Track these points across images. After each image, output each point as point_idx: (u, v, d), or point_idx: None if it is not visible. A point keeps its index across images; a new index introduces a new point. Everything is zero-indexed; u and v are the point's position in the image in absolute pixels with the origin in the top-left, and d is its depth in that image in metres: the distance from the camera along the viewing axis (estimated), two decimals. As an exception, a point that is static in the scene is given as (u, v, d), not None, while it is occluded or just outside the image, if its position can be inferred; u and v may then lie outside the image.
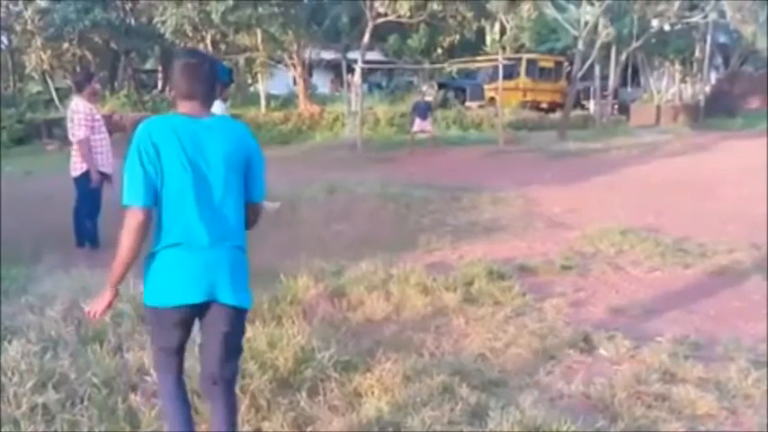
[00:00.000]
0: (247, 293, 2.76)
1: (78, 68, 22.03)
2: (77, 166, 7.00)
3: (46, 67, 22.71)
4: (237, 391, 3.07)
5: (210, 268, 2.62)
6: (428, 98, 20.54)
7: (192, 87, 2.66)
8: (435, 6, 21.75)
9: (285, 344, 3.96)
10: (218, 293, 2.64)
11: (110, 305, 2.73)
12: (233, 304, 2.68)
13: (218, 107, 8.66)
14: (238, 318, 2.76)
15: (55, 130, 18.33)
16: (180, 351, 2.83)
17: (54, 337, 4.21)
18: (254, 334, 4.05)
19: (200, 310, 2.69)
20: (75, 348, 4.07)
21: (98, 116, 7.17)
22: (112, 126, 12.64)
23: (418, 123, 17.63)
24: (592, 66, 23.82)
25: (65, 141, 10.11)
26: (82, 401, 3.43)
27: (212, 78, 2.73)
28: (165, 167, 2.55)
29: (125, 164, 2.59)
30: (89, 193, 7.00)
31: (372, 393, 3.63)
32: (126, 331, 4.32)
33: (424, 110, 17.85)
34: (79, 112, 6.92)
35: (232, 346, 2.79)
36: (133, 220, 2.54)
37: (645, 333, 4.69)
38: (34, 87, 25.37)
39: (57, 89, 22.61)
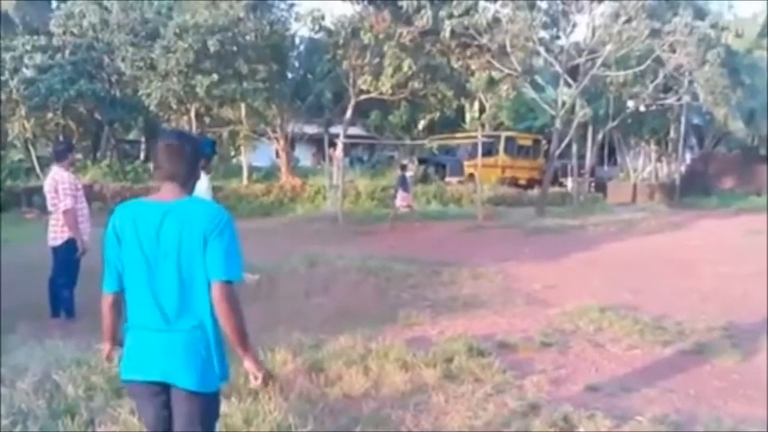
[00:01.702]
0: (210, 376, 2.73)
1: (61, 137, 22.09)
2: (57, 236, 6.97)
3: (29, 135, 22.77)
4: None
5: (165, 350, 2.68)
6: (408, 173, 20.81)
7: (173, 169, 2.75)
8: (416, 85, 22.28)
9: (261, 420, 3.89)
10: (175, 376, 2.68)
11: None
12: (188, 388, 2.68)
13: (200, 179, 8.85)
14: (201, 402, 2.73)
15: (35, 198, 18.24)
16: None
17: (24, 410, 4.10)
18: (230, 410, 3.97)
19: (166, 392, 2.75)
20: (46, 422, 3.96)
21: (79, 185, 7.21)
22: (92, 196, 12.61)
23: (402, 197, 17.76)
24: (569, 144, 24.31)
25: (44, 210, 10.08)
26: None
27: (194, 160, 2.81)
28: (125, 255, 2.72)
29: None
30: (67, 263, 6.95)
31: (350, 473, 3.55)
32: (98, 405, 4.22)
33: (407, 183, 18.05)
34: (64, 182, 6.94)
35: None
36: (103, 303, 2.84)
37: (625, 412, 4.66)
38: (16, 155, 25.34)
39: (38, 158, 22.61)
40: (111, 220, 2.77)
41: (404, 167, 18.96)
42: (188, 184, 2.81)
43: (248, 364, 2.79)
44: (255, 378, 2.81)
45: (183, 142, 2.80)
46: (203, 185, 8.72)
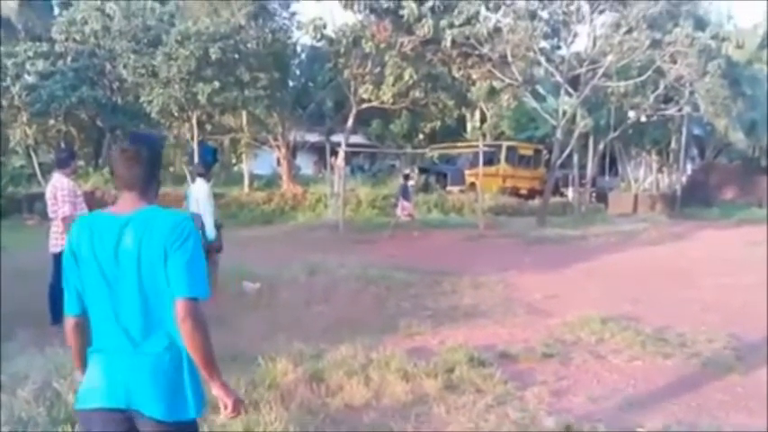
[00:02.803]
0: (181, 402, 2.46)
1: (63, 144, 22.12)
2: (57, 242, 6.96)
3: (30, 142, 22.80)
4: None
5: (130, 374, 2.43)
6: (410, 182, 20.82)
7: (130, 176, 2.50)
8: (417, 94, 22.31)
9: (262, 430, 3.87)
10: (141, 403, 2.42)
11: None
12: (155, 417, 2.41)
13: (201, 186, 8.86)
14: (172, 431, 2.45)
15: (36, 204, 18.25)
16: None
17: (24, 418, 4.09)
18: (231, 420, 3.95)
19: (130, 422, 2.46)
20: (46, 430, 3.94)
21: (79, 192, 7.23)
22: (94, 203, 12.60)
23: (403, 206, 17.79)
24: (570, 154, 24.34)
25: (45, 216, 10.08)
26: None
27: (153, 165, 2.56)
28: (83, 274, 2.48)
29: None
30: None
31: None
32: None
33: (408, 192, 18.07)
34: (63, 189, 6.96)
35: None
36: (66, 326, 2.60)
37: (626, 423, 4.64)
38: (17, 161, 25.36)
39: (40, 164, 22.62)
40: (68, 237, 2.55)
41: (407, 177, 18.99)
42: (148, 191, 2.54)
43: (216, 391, 2.49)
44: (225, 407, 2.52)
45: (139, 146, 2.52)
46: (204, 193, 8.76)
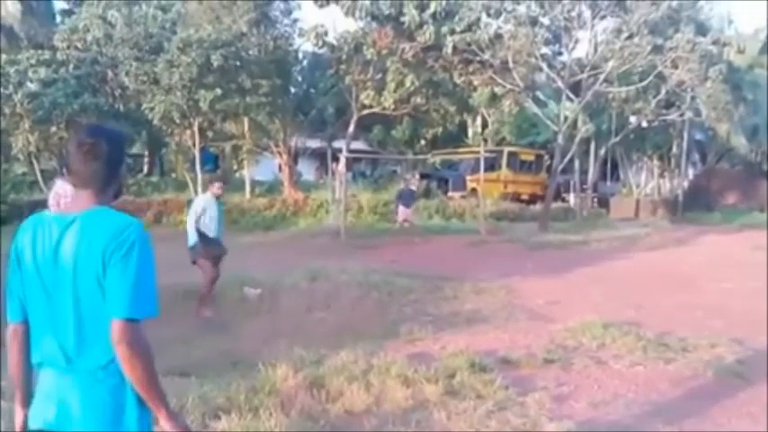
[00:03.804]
0: (117, 429, 2.18)
1: (65, 151, 22.14)
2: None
3: (32, 149, 22.82)
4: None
5: (63, 394, 2.17)
6: (412, 186, 20.80)
7: (87, 172, 2.22)
8: (419, 100, 22.36)
9: (262, 437, 3.86)
10: (71, 426, 2.17)
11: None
12: None
13: (206, 197, 9.05)
14: None
15: (38, 212, 18.25)
16: None
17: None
18: (230, 426, 3.95)
19: None
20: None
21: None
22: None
23: (402, 211, 17.80)
24: (572, 160, 24.34)
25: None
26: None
27: (113, 163, 2.27)
28: (25, 278, 2.23)
29: None
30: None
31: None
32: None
33: (408, 198, 18.07)
34: (67, 196, 6.94)
35: None
36: (6, 335, 2.32)
37: (627, 429, 4.62)
38: (20, 169, 25.42)
39: (42, 171, 22.66)
40: (14, 237, 2.30)
41: (405, 182, 19.02)
42: (105, 192, 2.26)
43: (163, 423, 2.18)
44: None
45: (98, 140, 2.23)
46: (209, 201, 8.95)
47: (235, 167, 28.62)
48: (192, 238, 8.67)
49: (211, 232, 8.83)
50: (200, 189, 23.01)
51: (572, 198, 27.93)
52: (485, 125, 33.04)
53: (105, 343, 2.11)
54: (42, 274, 2.19)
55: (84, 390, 2.16)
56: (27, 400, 2.30)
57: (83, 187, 2.24)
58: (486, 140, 30.48)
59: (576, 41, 21.64)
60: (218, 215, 9.00)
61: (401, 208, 17.88)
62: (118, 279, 2.10)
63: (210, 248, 8.80)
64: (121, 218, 2.19)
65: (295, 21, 24.68)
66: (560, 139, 21.36)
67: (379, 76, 21.76)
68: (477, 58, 20.75)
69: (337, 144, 25.51)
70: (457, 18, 20.37)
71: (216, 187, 9.11)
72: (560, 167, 22.12)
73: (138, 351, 2.09)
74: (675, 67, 20.59)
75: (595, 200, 29.31)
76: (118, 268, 2.10)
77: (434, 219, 22.14)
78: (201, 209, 8.83)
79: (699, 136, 31.58)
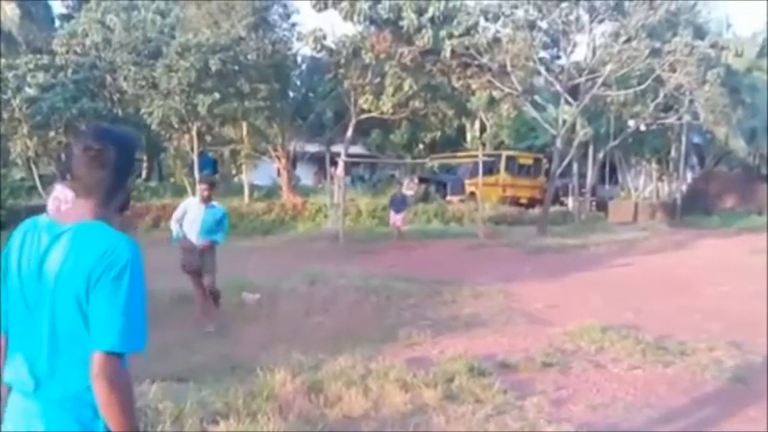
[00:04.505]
0: None
1: (63, 156, 22.12)
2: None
3: (31, 154, 22.82)
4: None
5: (27, 421, 1.97)
6: (408, 191, 20.76)
7: (89, 180, 2.00)
8: (417, 104, 22.40)
9: (260, 441, 3.86)
10: None
11: None
12: None
13: (192, 199, 8.54)
14: None
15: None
16: None
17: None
18: (228, 430, 3.94)
19: None
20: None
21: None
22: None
23: (393, 216, 17.83)
24: (570, 163, 24.37)
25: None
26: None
27: (121, 171, 2.04)
28: (9, 287, 2.03)
29: None
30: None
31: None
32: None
33: (399, 203, 18.06)
34: (68, 202, 6.94)
35: None
36: None
37: (627, 433, 4.62)
38: (18, 174, 25.40)
39: (41, 176, 22.65)
40: (7, 241, 2.10)
41: (399, 187, 19.05)
42: (108, 203, 2.04)
43: None
44: None
45: (106, 145, 2.00)
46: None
47: (233, 172, 28.63)
48: (173, 234, 8.36)
49: (191, 236, 8.21)
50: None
51: (570, 202, 27.95)
52: (483, 129, 33.10)
53: (80, 371, 1.90)
54: (25, 285, 1.98)
55: (51, 419, 1.95)
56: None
57: (84, 196, 2.02)
58: (484, 144, 30.52)
59: (574, 45, 21.70)
60: (204, 219, 8.20)
61: (392, 213, 17.90)
62: (104, 307, 1.87)
63: (185, 257, 8.24)
64: (115, 236, 1.96)
65: (293, 25, 24.70)
66: (559, 142, 21.38)
67: (378, 80, 21.81)
68: (476, 62, 20.80)
69: (336, 148, 25.55)
70: (455, 22, 20.44)
71: (201, 189, 8.43)
72: (559, 171, 22.14)
73: (119, 388, 1.87)
74: (673, 70, 20.65)
75: (594, 203, 29.33)
76: (104, 294, 1.87)
77: (433, 223, 22.15)
78: (182, 211, 8.36)
79: (697, 139, 31.62)
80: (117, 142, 2.03)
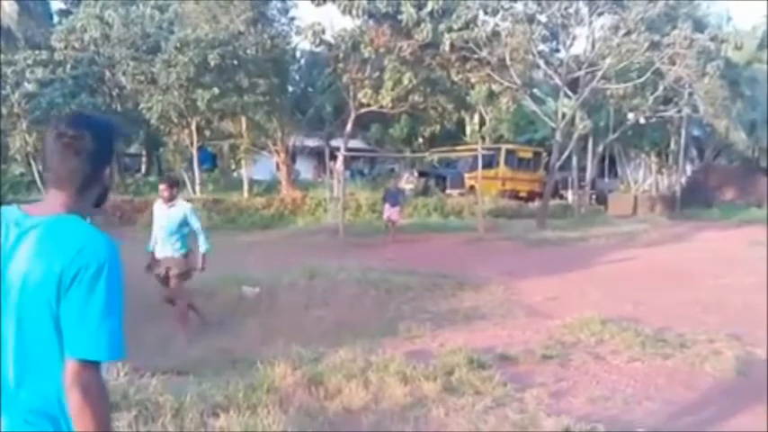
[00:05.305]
0: None
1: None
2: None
3: (30, 149, 22.78)
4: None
5: None
6: (408, 185, 20.68)
7: (63, 170, 1.80)
8: (416, 98, 22.37)
9: (260, 434, 3.86)
10: None
11: None
12: None
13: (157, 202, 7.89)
14: None
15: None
16: None
17: None
18: (229, 423, 3.95)
19: None
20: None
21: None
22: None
23: (388, 210, 17.76)
24: (569, 156, 24.36)
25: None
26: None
27: (98, 160, 1.83)
28: None
29: None
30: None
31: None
32: None
33: (394, 197, 18.00)
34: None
35: None
36: None
37: (626, 425, 4.63)
38: (17, 169, 25.38)
39: (40, 172, 22.62)
40: None
41: (394, 181, 18.97)
42: (84, 195, 1.84)
43: None
44: None
45: (81, 130, 1.80)
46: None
47: (233, 166, 28.62)
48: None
49: (159, 244, 7.63)
50: (198, 188, 23.05)
51: (570, 195, 27.95)
52: (482, 123, 33.08)
53: (51, 381, 1.72)
54: None
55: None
56: None
57: (57, 187, 1.82)
58: (483, 138, 30.49)
59: (574, 38, 21.70)
60: (169, 221, 7.54)
61: (387, 207, 17.83)
62: (78, 310, 1.68)
63: (151, 264, 7.71)
64: (90, 232, 1.76)
65: (292, 19, 24.68)
66: (558, 136, 21.39)
67: (377, 74, 21.78)
68: (475, 56, 20.77)
69: (335, 142, 25.52)
70: (454, 16, 20.39)
71: (161, 189, 7.76)
72: (558, 164, 22.15)
73: (94, 400, 1.67)
74: (673, 63, 20.62)
75: (593, 196, 29.34)
76: (79, 296, 1.68)
77: (432, 216, 22.14)
78: (154, 216, 7.80)
79: (696, 132, 31.62)
80: (93, 129, 1.84)
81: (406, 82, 21.20)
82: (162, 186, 7.75)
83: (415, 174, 28.06)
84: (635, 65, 21.36)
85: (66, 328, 1.69)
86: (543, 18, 21.00)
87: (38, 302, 1.69)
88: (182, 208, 7.63)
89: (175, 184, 7.96)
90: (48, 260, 1.69)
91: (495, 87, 23.11)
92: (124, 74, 21.19)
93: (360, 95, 22.21)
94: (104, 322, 1.69)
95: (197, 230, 7.65)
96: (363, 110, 22.74)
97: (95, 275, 1.69)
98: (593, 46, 21.64)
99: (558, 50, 22.52)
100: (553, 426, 4.47)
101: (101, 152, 1.83)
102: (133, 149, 32.21)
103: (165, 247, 7.57)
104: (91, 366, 1.69)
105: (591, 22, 21.38)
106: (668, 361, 6.31)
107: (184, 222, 7.55)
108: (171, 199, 7.59)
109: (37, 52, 22.47)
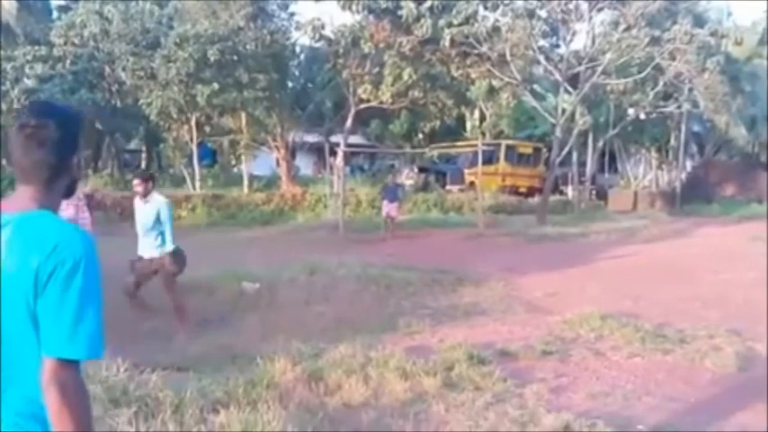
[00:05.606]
0: None
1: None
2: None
3: (29, 145, 22.79)
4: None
5: None
6: (408, 181, 20.64)
7: (28, 163, 1.75)
8: (416, 93, 22.34)
9: (260, 430, 3.86)
10: None
11: None
12: None
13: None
14: None
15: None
16: None
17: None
18: (229, 419, 3.94)
19: None
20: None
21: (81, 195, 7.23)
22: (94, 205, 12.59)
23: (386, 206, 17.70)
24: (570, 152, 24.34)
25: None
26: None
27: (64, 151, 1.77)
28: None
29: None
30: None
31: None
32: (96, 414, 4.18)
33: (391, 192, 17.93)
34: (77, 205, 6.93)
35: None
36: None
37: (626, 421, 4.63)
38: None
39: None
40: None
41: (392, 177, 18.91)
42: (52, 187, 1.78)
43: None
44: None
45: (45, 121, 1.74)
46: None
47: (232, 162, 28.61)
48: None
49: (141, 242, 7.43)
50: (197, 184, 23.04)
51: (570, 191, 27.94)
52: (482, 118, 33.03)
53: (33, 382, 1.66)
54: None
55: None
56: None
57: (24, 182, 1.76)
58: (483, 134, 30.47)
59: (574, 34, 21.68)
60: (145, 216, 7.33)
61: (385, 202, 17.75)
62: (55, 308, 1.63)
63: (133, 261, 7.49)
64: (65, 228, 1.72)
65: (292, 15, 24.66)
66: (558, 131, 21.37)
67: (377, 69, 21.75)
68: (475, 52, 20.74)
69: (335, 138, 25.49)
70: (454, 11, 20.35)
71: (134, 185, 7.51)
72: (558, 160, 22.14)
73: (72, 400, 1.63)
74: (673, 58, 20.59)
75: (593, 192, 29.34)
76: (55, 294, 1.63)
77: (432, 212, 22.12)
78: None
79: (697, 128, 31.61)
80: (56, 117, 1.77)
81: (405, 77, 21.17)
82: (135, 181, 7.50)
83: (415, 169, 28.04)
84: (635, 60, 21.35)
85: (44, 327, 1.64)
86: (543, 13, 21.01)
87: (16, 301, 1.65)
88: (156, 203, 7.38)
89: (149, 179, 7.66)
90: (23, 258, 1.64)
91: (495, 83, 23.11)
92: (124, 69, 21.17)
93: (360, 91, 22.18)
94: (81, 320, 1.64)
95: (164, 226, 7.33)
96: (363, 105, 22.71)
97: (71, 272, 1.64)
98: (593, 41, 21.62)
99: (558, 46, 22.52)
100: (553, 421, 4.47)
101: (66, 141, 1.77)
102: (133, 145, 32.21)
103: (145, 244, 7.38)
104: (68, 365, 1.64)
105: (591, 18, 21.37)
106: (668, 356, 6.31)
107: (159, 216, 7.33)
108: (146, 194, 7.37)
109: (36, 48, 22.45)
